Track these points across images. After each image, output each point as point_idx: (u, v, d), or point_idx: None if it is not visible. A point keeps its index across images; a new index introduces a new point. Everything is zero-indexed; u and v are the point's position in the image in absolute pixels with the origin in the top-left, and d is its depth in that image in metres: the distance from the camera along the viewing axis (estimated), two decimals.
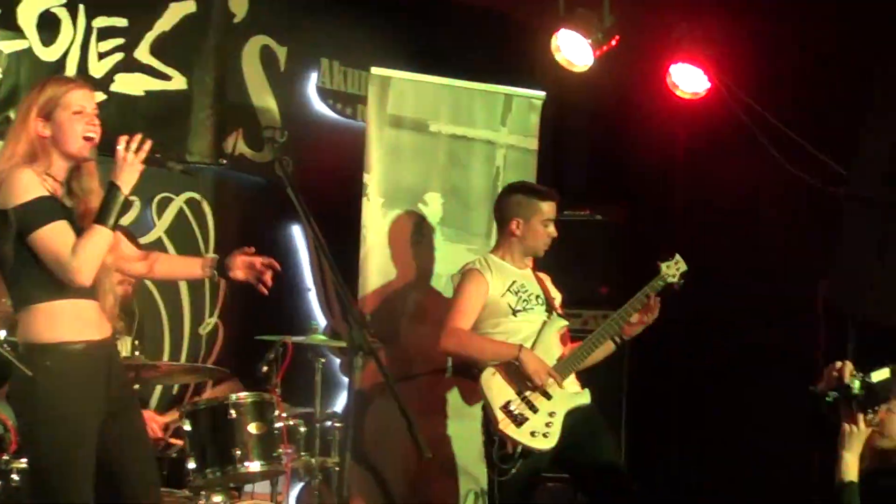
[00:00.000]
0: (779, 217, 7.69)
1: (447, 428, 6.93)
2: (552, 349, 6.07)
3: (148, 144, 4.61)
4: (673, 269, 6.12)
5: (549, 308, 6.17)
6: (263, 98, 7.46)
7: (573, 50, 7.41)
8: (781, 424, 7.04)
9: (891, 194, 7.21)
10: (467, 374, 6.36)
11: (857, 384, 4.17)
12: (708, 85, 7.51)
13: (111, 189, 4.56)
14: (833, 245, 7.41)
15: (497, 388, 5.93)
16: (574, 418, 5.97)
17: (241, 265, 5.04)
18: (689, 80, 7.54)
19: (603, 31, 7.27)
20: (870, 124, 7.40)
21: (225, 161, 7.05)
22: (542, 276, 6.31)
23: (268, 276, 5.03)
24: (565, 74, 7.57)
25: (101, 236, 4.53)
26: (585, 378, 6.13)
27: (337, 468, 6.16)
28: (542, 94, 7.54)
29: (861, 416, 4.20)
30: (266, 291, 5.04)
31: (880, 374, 4.19)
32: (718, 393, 7.82)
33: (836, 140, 7.36)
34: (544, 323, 6.11)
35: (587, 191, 8.47)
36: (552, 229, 6.18)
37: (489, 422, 5.94)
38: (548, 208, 6.17)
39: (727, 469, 7.67)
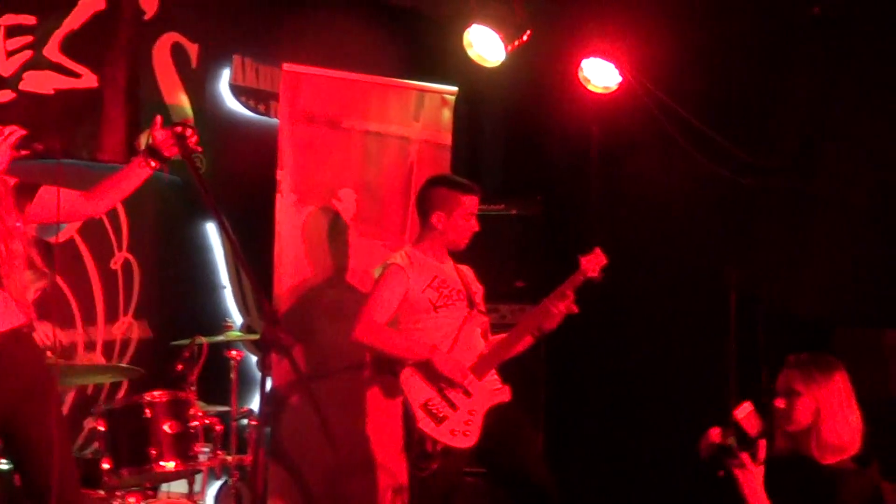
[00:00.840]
0: (692, 208, 7.75)
1: (366, 424, 6.92)
2: (474, 345, 6.07)
3: (17, 132, 4.65)
4: (593, 264, 6.12)
5: (471, 303, 6.17)
6: (175, 96, 7.41)
7: (485, 45, 7.45)
8: (694, 413, 7.12)
9: (799, 183, 7.32)
10: (387, 370, 6.34)
11: (730, 439, 4.31)
12: (619, 79, 7.56)
13: None
14: (745, 235, 7.50)
15: (417, 386, 5.88)
16: (494, 415, 5.97)
17: (167, 141, 4.97)
18: (600, 74, 7.59)
19: (515, 25, 7.31)
20: (778, 115, 7.50)
21: None
22: (464, 268, 6.28)
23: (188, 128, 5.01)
24: (478, 70, 7.60)
25: None
26: (504, 371, 6.14)
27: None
28: (455, 89, 7.55)
29: (747, 457, 4.33)
30: (196, 137, 5.02)
31: (743, 412, 4.35)
32: (635, 385, 7.89)
33: (746, 131, 7.45)
34: (465, 318, 6.11)
35: (502, 185, 8.50)
36: (474, 223, 6.15)
37: (409, 419, 5.92)
38: (469, 202, 6.12)
39: (645, 461, 7.74)
